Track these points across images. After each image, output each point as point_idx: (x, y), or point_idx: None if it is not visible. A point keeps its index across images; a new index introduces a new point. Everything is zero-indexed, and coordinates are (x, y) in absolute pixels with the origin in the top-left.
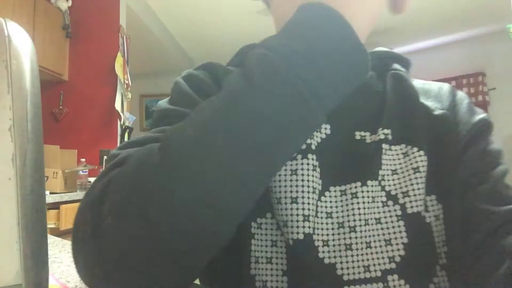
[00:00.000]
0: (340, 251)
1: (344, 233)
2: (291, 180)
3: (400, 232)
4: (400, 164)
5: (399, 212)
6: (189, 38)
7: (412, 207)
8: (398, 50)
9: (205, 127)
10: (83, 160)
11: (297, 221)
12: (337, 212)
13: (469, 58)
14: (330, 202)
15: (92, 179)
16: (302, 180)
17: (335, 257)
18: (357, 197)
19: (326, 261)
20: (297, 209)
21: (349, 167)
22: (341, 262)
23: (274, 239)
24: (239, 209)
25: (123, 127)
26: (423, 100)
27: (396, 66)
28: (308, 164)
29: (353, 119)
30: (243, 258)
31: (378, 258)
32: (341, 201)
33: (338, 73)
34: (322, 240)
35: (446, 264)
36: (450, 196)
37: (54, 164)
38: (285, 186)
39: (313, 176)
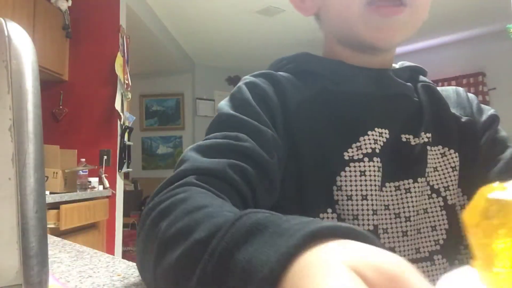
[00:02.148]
0: (398, 237)
1: (400, 222)
2: (360, 180)
3: (443, 220)
4: (439, 162)
5: (442, 203)
6: (189, 38)
7: (451, 199)
8: (399, 50)
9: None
10: (83, 160)
11: (368, 214)
12: (393, 204)
13: (469, 58)
14: (387, 196)
15: (92, 179)
16: (370, 180)
17: (394, 242)
18: (410, 192)
19: (387, 245)
20: (367, 204)
21: (401, 166)
22: (399, 246)
23: None
24: None
25: (123, 127)
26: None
27: (422, 78)
28: (374, 166)
29: (399, 123)
30: None
31: (426, 242)
32: (396, 195)
33: None
34: (383, 229)
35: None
36: (473, 188)
37: (54, 164)
38: (355, 185)
39: (378, 176)
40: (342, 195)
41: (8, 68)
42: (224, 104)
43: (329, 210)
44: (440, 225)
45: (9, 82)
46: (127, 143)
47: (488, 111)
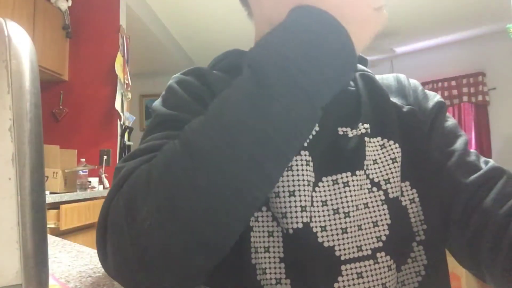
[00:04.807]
0: (337, 234)
1: (339, 218)
2: (287, 176)
3: (384, 214)
4: (379, 154)
5: (383, 197)
6: (189, 38)
7: (392, 192)
8: (398, 50)
9: (225, 129)
10: (83, 160)
11: (296, 212)
12: (331, 200)
13: (469, 58)
14: (324, 191)
15: (92, 179)
16: (298, 175)
17: (333, 240)
18: (348, 186)
19: (326, 244)
20: (295, 201)
21: (338, 159)
22: (339, 245)
23: (270, 230)
24: (261, 198)
25: (123, 127)
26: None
27: (361, 66)
28: (301, 160)
29: (334, 116)
30: (244, 249)
31: (368, 239)
32: (334, 189)
33: (333, 73)
34: (320, 226)
35: (423, 240)
36: (424, 181)
37: (54, 164)
38: (282, 181)
39: (306, 170)
40: (270, 193)
41: (8, 68)
42: (159, 105)
43: (264, 208)
44: (382, 220)
45: (9, 82)
46: (127, 143)
47: (434, 97)
